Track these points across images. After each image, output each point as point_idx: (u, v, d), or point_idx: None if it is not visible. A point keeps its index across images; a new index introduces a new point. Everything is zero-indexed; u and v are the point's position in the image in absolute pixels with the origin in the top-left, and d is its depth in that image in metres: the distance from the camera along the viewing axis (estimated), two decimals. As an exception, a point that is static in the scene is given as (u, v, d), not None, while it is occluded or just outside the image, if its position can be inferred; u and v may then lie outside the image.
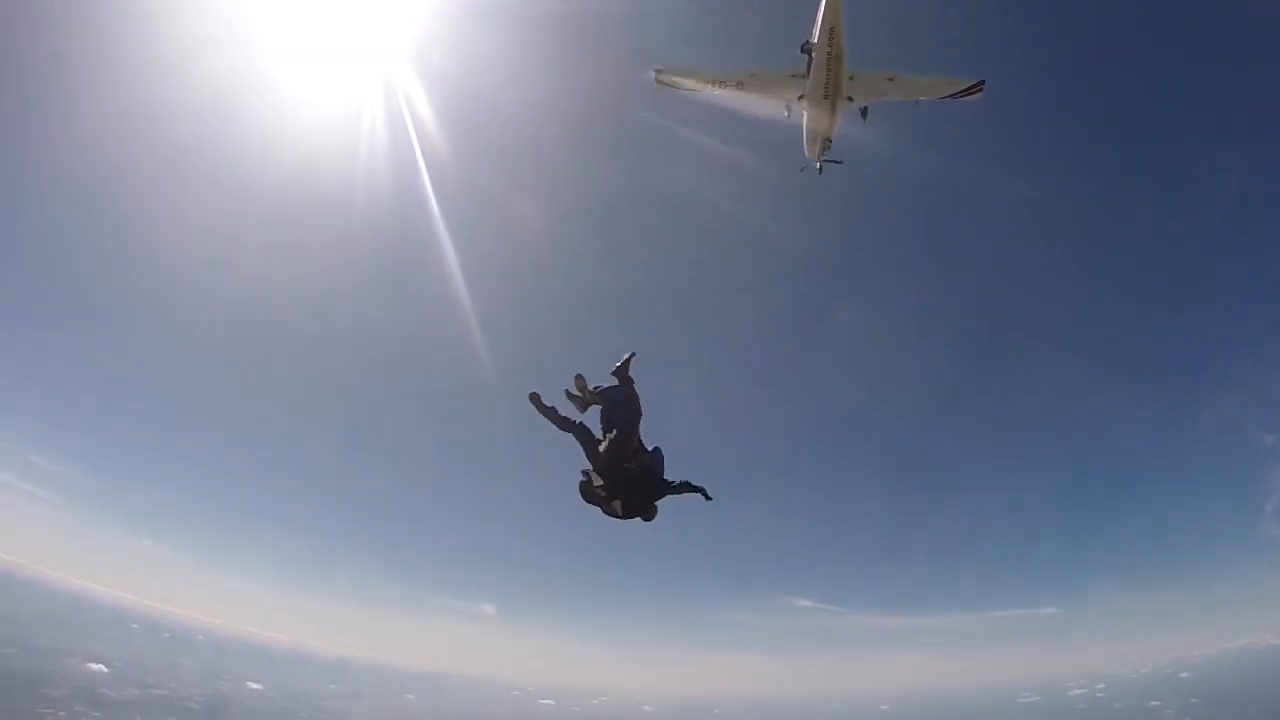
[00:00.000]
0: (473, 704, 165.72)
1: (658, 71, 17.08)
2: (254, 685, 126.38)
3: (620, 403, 8.69)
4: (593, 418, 8.91)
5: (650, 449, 8.81)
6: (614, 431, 8.56)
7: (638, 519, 8.63)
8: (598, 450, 8.55)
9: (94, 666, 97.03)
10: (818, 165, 18.92)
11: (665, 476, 8.66)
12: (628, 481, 8.46)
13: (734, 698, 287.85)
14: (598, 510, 8.74)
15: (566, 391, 8.99)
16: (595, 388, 8.92)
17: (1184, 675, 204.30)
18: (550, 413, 8.81)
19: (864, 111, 17.12)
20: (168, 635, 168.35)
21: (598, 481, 8.53)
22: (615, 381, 8.80)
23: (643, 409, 8.73)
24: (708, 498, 8.67)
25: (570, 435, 8.74)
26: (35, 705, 68.08)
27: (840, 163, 18.98)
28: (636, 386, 8.75)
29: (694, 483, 8.67)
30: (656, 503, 8.61)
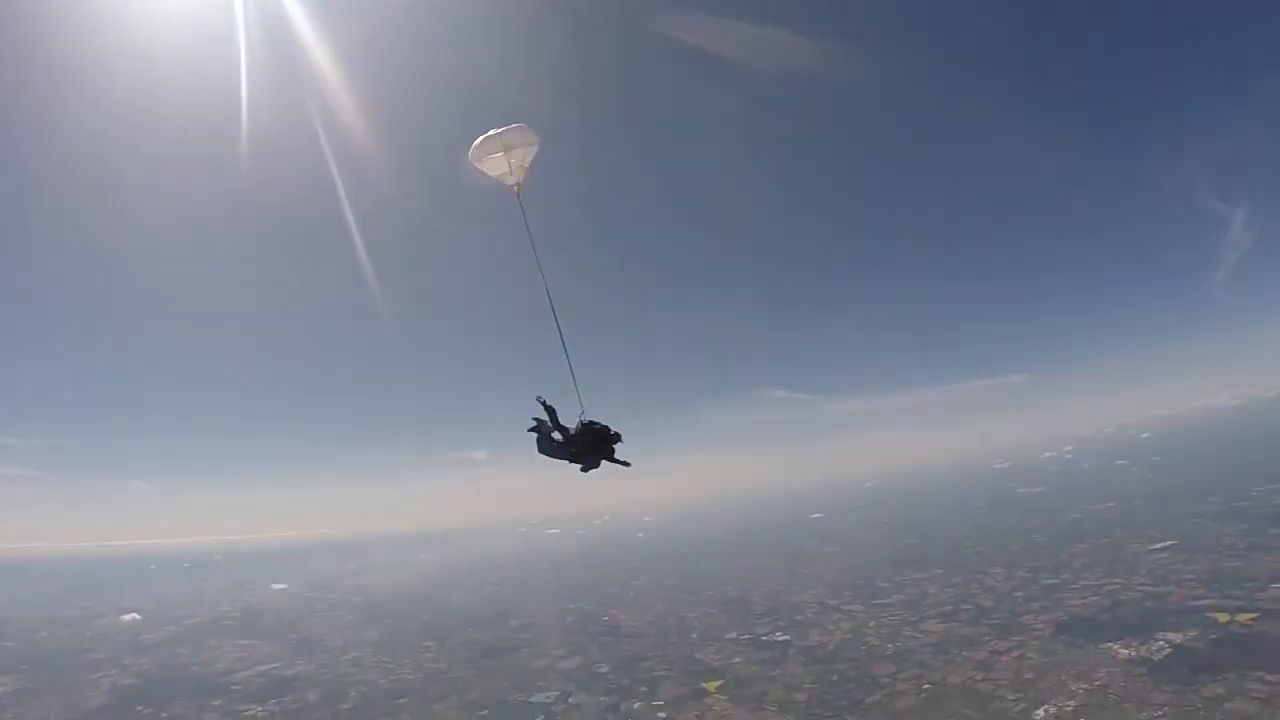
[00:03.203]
0: (484, 550, 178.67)
1: None
2: (278, 586, 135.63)
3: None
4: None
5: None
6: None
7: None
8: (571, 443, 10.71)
9: (127, 618, 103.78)
10: None
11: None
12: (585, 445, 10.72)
13: (727, 495, 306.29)
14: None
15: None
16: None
17: (1145, 436, 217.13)
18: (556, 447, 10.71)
19: None
20: (187, 565, 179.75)
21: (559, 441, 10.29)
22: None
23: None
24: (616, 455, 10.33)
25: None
26: (85, 674, 73.18)
27: None
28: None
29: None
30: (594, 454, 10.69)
